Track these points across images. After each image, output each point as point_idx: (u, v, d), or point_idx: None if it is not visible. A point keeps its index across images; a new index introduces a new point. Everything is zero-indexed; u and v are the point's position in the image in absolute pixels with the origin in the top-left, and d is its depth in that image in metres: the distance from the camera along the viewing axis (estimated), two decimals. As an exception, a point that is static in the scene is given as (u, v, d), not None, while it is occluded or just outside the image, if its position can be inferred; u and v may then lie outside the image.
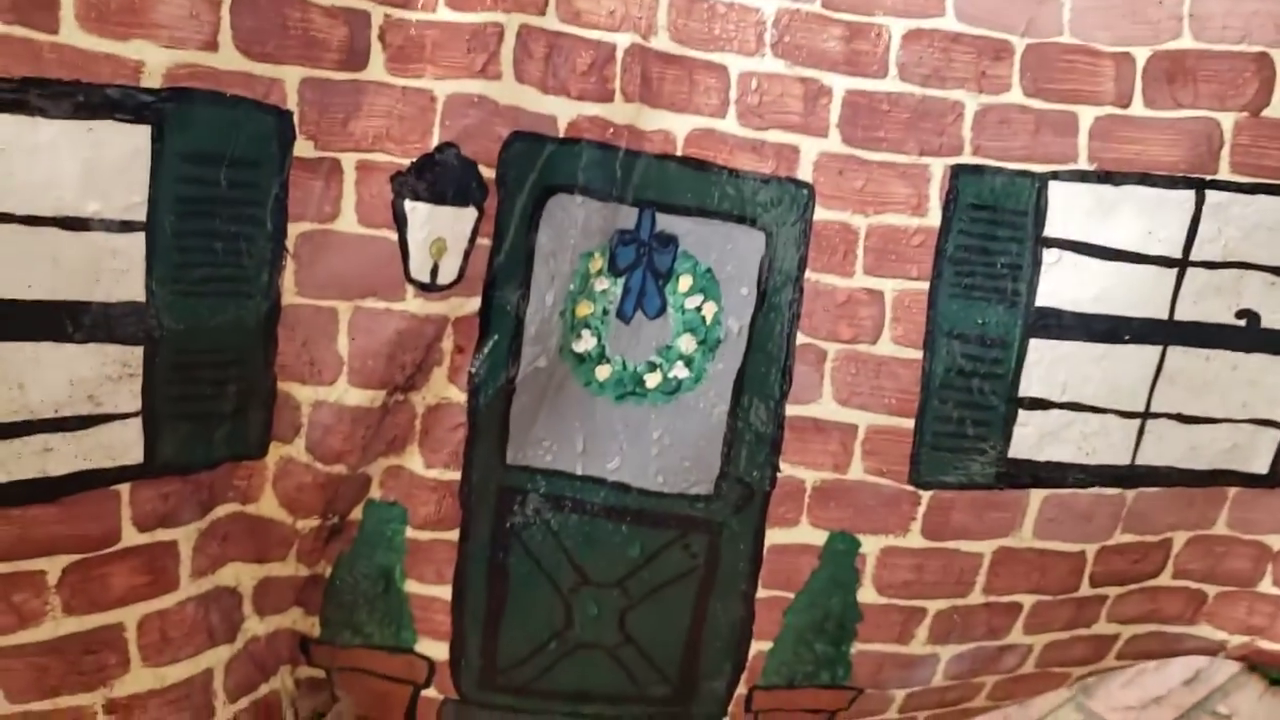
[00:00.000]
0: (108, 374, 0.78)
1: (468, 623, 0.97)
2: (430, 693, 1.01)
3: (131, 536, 0.84)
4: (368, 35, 0.81)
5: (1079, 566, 1.02)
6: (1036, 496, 0.98)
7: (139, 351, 0.78)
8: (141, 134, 0.74)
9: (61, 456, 0.78)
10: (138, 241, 0.76)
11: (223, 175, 0.78)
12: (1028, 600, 1.03)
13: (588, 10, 0.87)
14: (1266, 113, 0.90)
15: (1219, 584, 1.07)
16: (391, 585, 0.96)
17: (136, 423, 0.81)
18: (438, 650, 0.99)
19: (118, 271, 0.76)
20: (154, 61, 0.73)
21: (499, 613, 0.97)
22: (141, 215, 0.76)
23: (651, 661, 1.01)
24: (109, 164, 0.74)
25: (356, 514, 0.94)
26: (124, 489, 0.82)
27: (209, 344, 0.81)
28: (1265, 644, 1.09)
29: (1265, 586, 1.07)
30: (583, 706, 1.03)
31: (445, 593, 0.96)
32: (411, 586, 0.96)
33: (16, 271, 0.73)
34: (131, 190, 0.75)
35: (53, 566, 0.81)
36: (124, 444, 0.80)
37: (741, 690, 1.03)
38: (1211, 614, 1.09)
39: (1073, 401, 0.95)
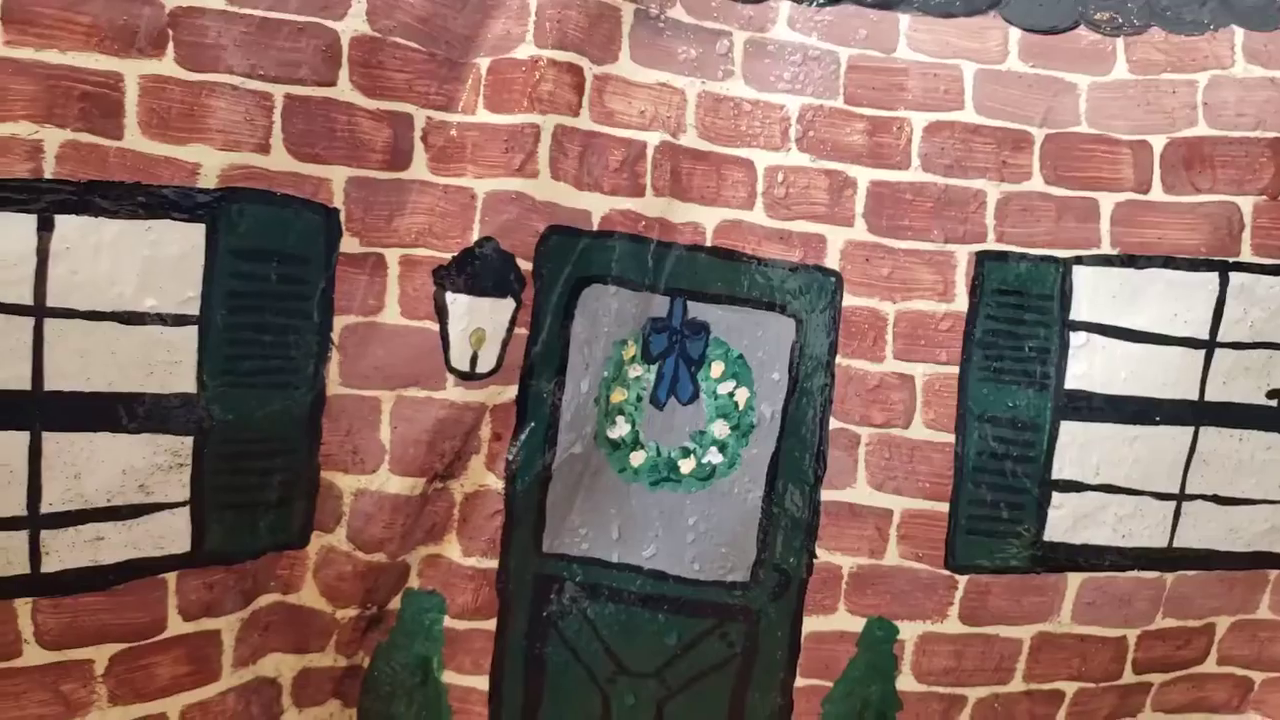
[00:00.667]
0: (159, 463, 0.80)
1: (505, 713, 0.96)
2: (467, 788, 1.00)
3: (177, 625, 0.85)
4: (411, 137, 0.85)
5: (1121, 653, 1.01)
6: (1074, 580, 0.97)
7: (189, 441, 0.81)
8: (197, 232, 0.78)
9: (112, 545, 0.80)
10: (190, 335, 0.79)
11: (272, 271, 0.81)
12: (1070, 688, 1.02)
13: (620, 111, 0.91)
14: (1285, 196, 0.92)
15: (1265, 670, 1.05)
16: (429, 676, 0.96)
17: (185, 512, 0.82)
18: (476, 742, 0.98)
19: (171, 364, 0.78)
20: (210, 164, 0.77)
21: (536, 704, 0.96)
22: (195, 310, 0.79)
23: (690, 752, 0.99)
24: (165, 261, 0.77)
25: (395, 603, 0.95)
26: (171, 578, 0.83)
27: (256, 434, 0.83)
28: (1316, 732, 1.06)
29: (1314, 672, 1.05)
30: (622, 803, 1.01)
31: (483, 683, 0.96)
32: (449, 677, 0.96)
33: (77, 364, 0.76)
34: (186, 286, 0.78)
35: (100, 655, 0.82)
36: (173, 533, 0.82)
37: (783, 783, 1.02)
38: (1260, 701, 1.07)
39: (1106, 484, 0.95)
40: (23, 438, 0.75)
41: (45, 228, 0.73)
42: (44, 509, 0.77)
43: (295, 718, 0.96)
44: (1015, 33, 0.94)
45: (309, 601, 0.92)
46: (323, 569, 0.91)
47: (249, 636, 0.89)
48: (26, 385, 0.75)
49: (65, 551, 0.79)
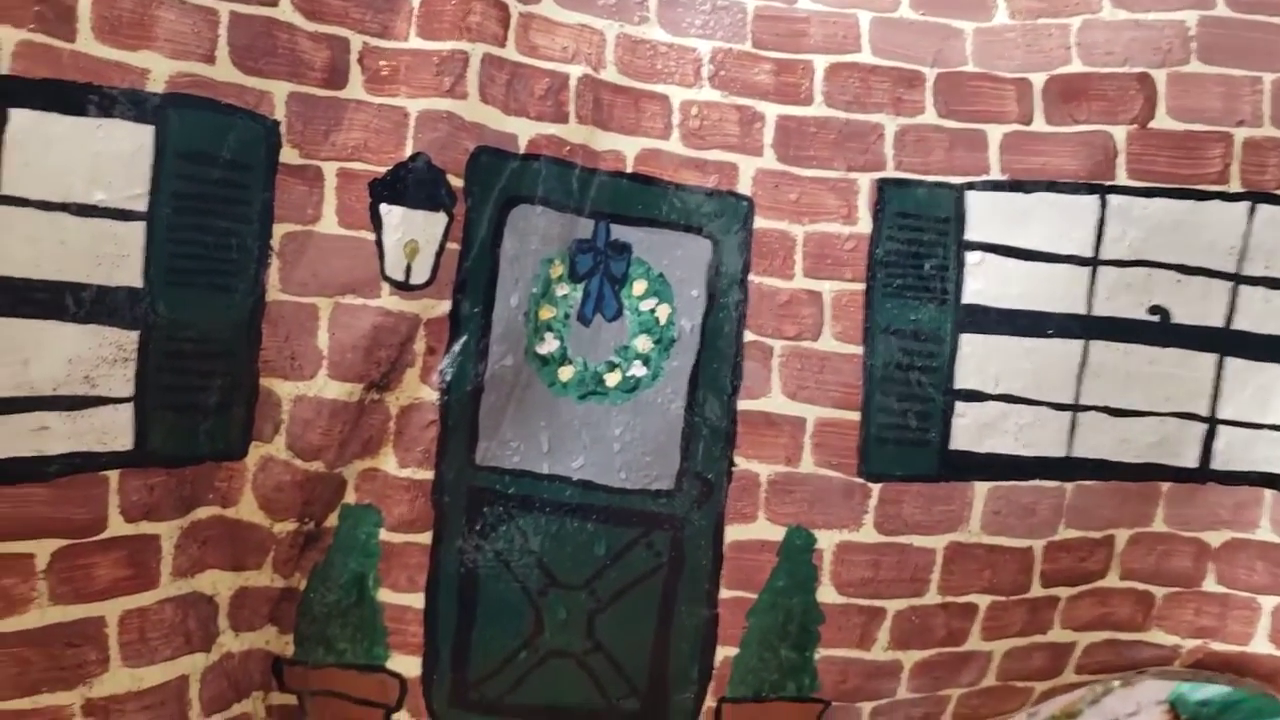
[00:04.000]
0: (104, 356, 0.84)
1: (440, 632, 0.99)
2: (401, 717, 1.02)
3: (118, 526, 0.87)
4: (348, 59, 0.92)
5: (1028, 564, 1.06)
6: (981, 490, 1.03)
7: (134, 336, 0.85)
8: (145, 133, 0.83)
9: (57, 436, 0.83)
10: (138, 230, 0.84)
11: (216, 175, 0.86)
12: (983, 601, 1.07)
13: (544, 45, 0.98)
14: (1153, 124, 1.01)
15: (1165, 585, 1.11)
16: (365, 594, 0.98)
17: (128, 408, 0.86)
18: (410, 666, 1.00)
19: (118, 256, 0.83)
20: (158, 70, 0.83)
21: (470, 620, 0.99)
22: (142, 206, 0.84)
23: (620, 670, 1.03)
24: (115, 158, 0.82)
25: (331, 520, 0.98)
26: (113, 476, 0.86)
27: (198, 335, 0.87)
28: (1217, 646, 1.12)
29: (1209, 585, 1.11)
30: (555, 723, 1.04)
31: (418, 601, 0.99)
32: (384, 595, 0.99)
33: (28, 252, 0.80)
34: (134, 183, 0.83)
35: (42, 550, 0.84)
36: (116, 428, 0.85)
37: (710, 704, 1.05)
38: (1162, 617, 1.12)
39: (1006, 393, 1.02)
40: (-29, 321, 0.79)
41: (0, 120, 0.78)
42: (-10, 394, 0.80)
43: (232, 640, 0.97)
44: None
45: (246, 515, 0.95)
46: (261, 480, 0.94)
47: (187, 547, 0.92)
48: (-23, 269, 0.79)
49: (10, 439, 0.81)
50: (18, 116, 0.78)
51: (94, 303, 0.82)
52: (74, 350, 0.82)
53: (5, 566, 0.83)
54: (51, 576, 0.85)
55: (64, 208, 0.81)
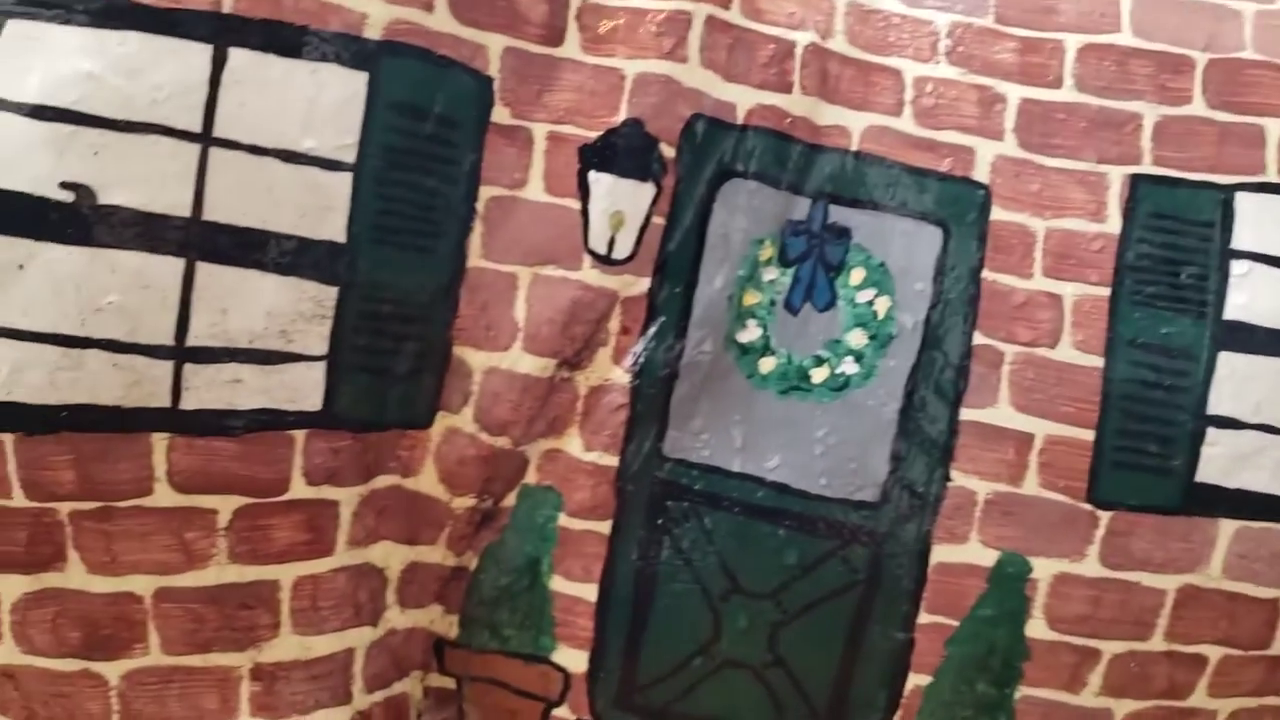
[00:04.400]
0: (302, 311, 0.81)
1: (611, 628, 0.94)
2: (562, 712, 0.97)
3: (300, 489, 0.84)
4: (566, 15, 0.87)
5: (1273, 617, 0.94)
6: (1227, 528, 0.91)
7: (333, 293, 0.81)
8: (359, 80, 0.80)
9: (249, 390, 0.81)
10: (345, 182, 0.80)
11: (426, 130, 0.82)
12: (1214, 653, 0.95)
13: (769, 10, 0.92)
14: None
15: None
16: (537, 580, 0.94)
17: (321, 367, 0.83)
18: (576, 661, 0.95)
19: (323, 209, 0.80)
20: (376, 15, 0.80)
21: (644, 618, 0.94)
22: (351, 157, 0.80)
23: (800, 688, 0.95)
24: (327, 105, 0.79)
25: (510, 500, 0.93)
26: (299, 436, 0.83)
27: (396, 296, 0.84)
28: None
29: None
30: (723, 739, 0.97)
31: (591, 593, 0.94)
32: (557, 584, 0.94)
33: (235, 198, 0.77)
34: (344, 132, 0.80)
35: (225, 506, 0.82)
36: (307, 387, 0.83)
37: (895, 733, 0.97)
38: None
39: (1267, 423, 0.90)
40: (178, 264, 0.77)
41: (219, 59, 0.75)
42: (189, 341, 0.78)
43: (397, 615, 0.94)
44: None
45: (426, 488, 0.91)
46: (444, 452, 0.90)
47: (364, 516, 0.89)
48: (186, 212, 0.77)
49: (204, 390, 0.79)
50: (236, 56, 0.76)
51: (296, 255, 0.80)
52: (273, 303, 0.80)
53: (189, 520, 0.82)
54: (232, 534, 0.83)
55: (274, 153, 0.78)
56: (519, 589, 0.94)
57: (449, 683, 0.99)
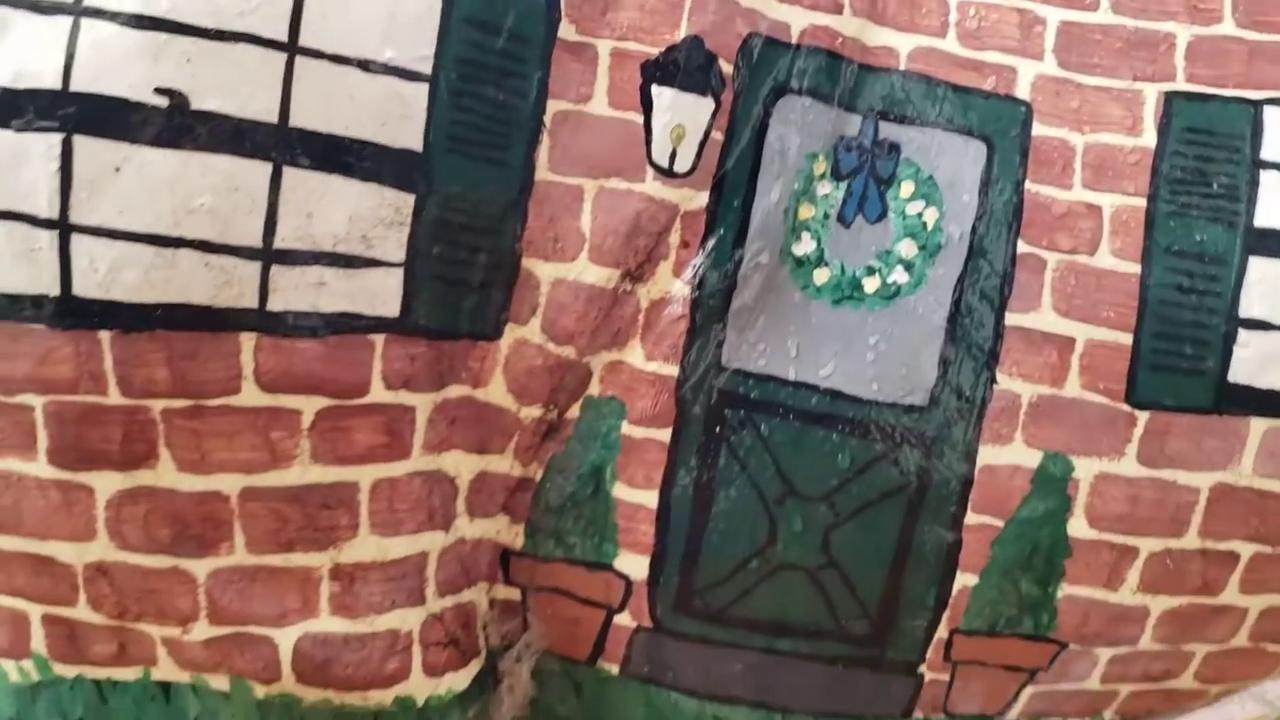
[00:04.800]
0: (382, 217, 0.84)
1: (671, 534, 0.97)
2: (623, 619, 1.01)
3: (379, 392, 0.88)
4: (627, -65, 0.90)
5: (1303, 513, 0.99)
6: (1257, 427, 0.96)
7: (410, 200, 0.85)
8: (436, -4, 0.83)
9: (332, 294, 0.84)
10: (421, 93, 0.84)
11: (498, 45, 0.86)
12: (1246, 550, 0.99)
13: (818, -66, 0.95)
14: None
15: None
16: (601, 487, 0.97)
17: (399, 274, 0.86)
18: (637, 567, 0.99)
19: (401, 117, 0.83)
20: (453, -74, 0.83)
21: (703, 523, 0.97)
22: (428, 69, 0.83)
23: (853, 590, 0.99)
24: (406, 16, 0.82)
25: (573, 412, 0.97)
26: (378, 341, 0.87)
27: (469, 207, 0.87)
28: None
29: None
30: (778, 641, 1.01)
31: (652, 499, 0.97)
32: (620, 491, 0.97)
33: (319, 105, 0.81)
34: (422, 43, 0.83)
35: (308, 407, 0.85)
36: (386, 292, 0.86)
37: (942, 634, 1.01)
38: None
39: (1296, 326, 0.94)
40: (266, 169, 0.80)
41: (304, -30, 0.79)
42: (276, 244, 0.82)
43: (466, 525, 0.98)
44: None
45: (495, 399, 0.94)
46: (513, 363, 0.93)
47: (438, 423, 0.92)
48: (274, 119, 0.80)
49: (290, 291, 0.83)
50: (321, -33, 0.79)
51: (376, 161, 0.83)
52: (355, 208, 0.83)
53: (275, 419, 0.84)
54: (315, 435, 0.86)
55: (355, 63, 0.81)
56: (583, 496, 0.97)
57: (514, 595, 1.02)
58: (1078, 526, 0.97)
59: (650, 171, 0.91)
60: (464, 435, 0.94)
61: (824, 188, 0.96)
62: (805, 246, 0.96)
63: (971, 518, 0.97)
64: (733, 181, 0.93)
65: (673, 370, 0.95)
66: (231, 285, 0.81)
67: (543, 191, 0.90)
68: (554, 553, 1.00)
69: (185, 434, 0.83)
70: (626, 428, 0.96)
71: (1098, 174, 0.95)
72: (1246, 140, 0.95)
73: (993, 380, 0.95)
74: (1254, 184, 0.94)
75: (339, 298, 0.84)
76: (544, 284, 0.92)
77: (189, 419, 0.83)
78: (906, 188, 0.95)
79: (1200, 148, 0.95)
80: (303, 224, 0.82)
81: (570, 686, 1.05)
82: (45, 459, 0.82)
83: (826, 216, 0.96)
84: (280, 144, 0.80)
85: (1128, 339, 0.94)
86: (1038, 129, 0.95)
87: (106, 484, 0.83)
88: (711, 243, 0.94)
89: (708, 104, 0.91)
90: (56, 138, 0.76)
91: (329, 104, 0.81)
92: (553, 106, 0.89)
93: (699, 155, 0.92)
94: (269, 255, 0.82)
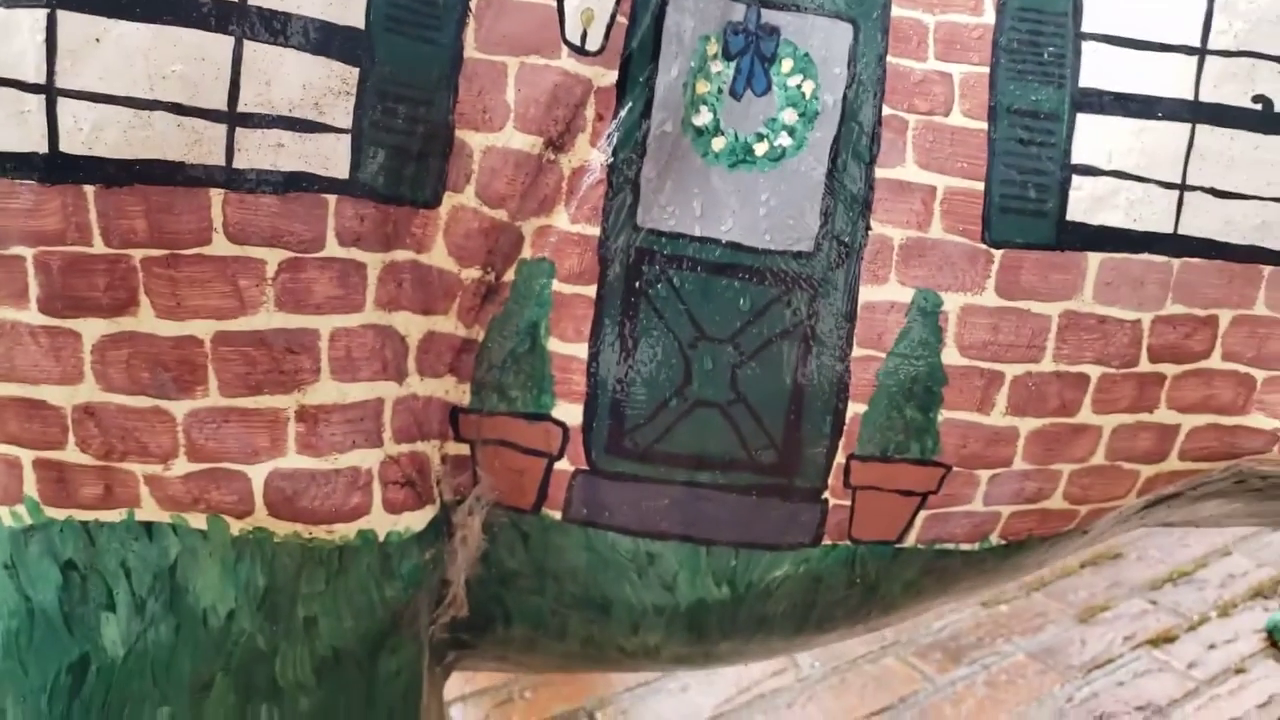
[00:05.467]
0: (330, 86, 0.96)
1: (600, 381, 1.10)
2: (562, 465, 1.13)
3: (333, 247, 0.99)
4: None
5: (1137, 336, 1.15)
6: (1094, 260, 1.12)
7: (355, 72, 0.97)
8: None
9: (289, 154, 0.96)
10: (362, -25, 0.96)
11: (428, -65, 0.99)
12: (1094, 372, 1.16)
13: None
14: (1257, -76, 1.11)
15: (1266, 368, 1.19)
16: (536, 342, 1.10)
17: (347, 139, 0.98)
18: (572, 414, 1.11)
19: (345, 1, 0.95)
20: None
21: (628, 370, 1.10)
22: (366, -44, 0.96)
23: (760, 422, 1.13)
24: (349, -92, 0.95)
25: (509, 276, 1.09)
26: (331, 200, 0.98)
27: (406, 80, 1.00)
28: (1316, 429, 1.20)
29: (1309, 369, 1.19)
30: (698, 474, 1.14)
31: (583, 351, 1.10)
32: (554, 345, 1.10)
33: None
34: (361, -69, 0.95)
35: (271, 258, 0.96)
36: (336, 155, 0.98)
37: (840, 460, 1.15)
38: (1262, 401, 1.20)
39: (1118, 170, 1.11)
40: (229, 41, 0.92)
41: None
42: (239, 108, 0.93)
43: (417, 384, 1.09)
44: None
45: (438, 261, 1.06)
46: (452, 228, 1.05)
47: (387, 282, 1.03)
48: (236, -3, 0.91)
49: (253, 151, 0.94)
50: None
51: (324, 36, 0.95)
52: (308, 77, 0.95)
53: (243, 268, 0.95)
54: (278, 284, 0.97)
55: (308, -51, 0.93)
56: (521, 351, 1.10)
57: (464, 450, 1.14)
58: (950, 355, 1.12)
59: (565, 49, 1.05)
60: (411, 297, 1.06)
61: (716, 66, 1.11)
62: (703, 118, 1.11)
63: (857, 351, 1.12)
64: (637, 61, 1.08)
65: (595, 231, 1.09)
66: (201, 144, 0.92)
67: (471, 68, 1.03)
68: (498, 406, 1.12)
69: (163, 281, 0.93)
70: (556, 285, 1.09)
71: (947, 47, 1.12)
72: (1069, 16, 1.12)
73: (868, 227, 1.10)
74: (1077, 53, 1.11)
75: (295, 158, 0.96)
76: (476, 152, 1.05)
77: (166, 267, 0.93)
78: (786, 64, 1.11)
79: (1032, 24, 1.12)
80: (263, 90, 0.93)
81: (518, 537, 1.17)
82: (36, 306, 0.92)
83: (720, 91, 1.11)
84: (241, 20, 0.92)
85: (980, 186, 1.10)
86: (896, 11, 1.11)
87: (92, 329, 0.93)
88: (623, 113, 1.08)
89: (612, -10, 1.05)
90: (42, 12, 0.87)
91: (284, -16, 0.92)
92: (476, -6, 1.03)
93: (607, 36, 1.06)
94: (234, 118, 0.93)
